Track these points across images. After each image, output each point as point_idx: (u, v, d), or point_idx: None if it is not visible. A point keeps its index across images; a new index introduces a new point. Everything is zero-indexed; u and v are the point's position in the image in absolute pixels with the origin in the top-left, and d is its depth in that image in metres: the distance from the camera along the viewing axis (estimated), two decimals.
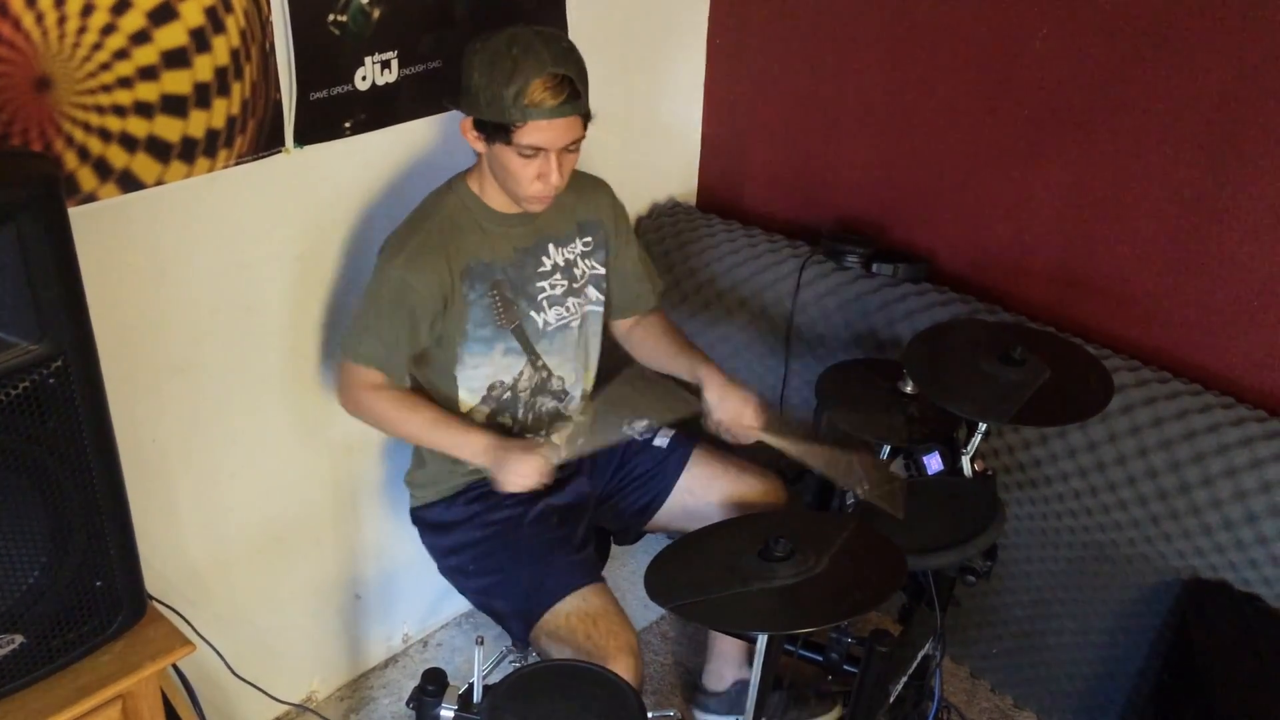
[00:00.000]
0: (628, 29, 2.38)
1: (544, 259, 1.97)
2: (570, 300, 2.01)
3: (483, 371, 1.95)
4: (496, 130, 1.74)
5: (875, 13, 2.34)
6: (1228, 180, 1.98)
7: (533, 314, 1.96)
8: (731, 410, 1.93)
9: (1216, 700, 1.81)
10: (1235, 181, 1.97)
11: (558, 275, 1.99)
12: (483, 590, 1.98)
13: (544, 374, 2.02)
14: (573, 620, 1.82)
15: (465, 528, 1.99)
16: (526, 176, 1.79)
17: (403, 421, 1.92)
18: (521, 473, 1.82)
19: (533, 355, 1.98)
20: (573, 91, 1.73)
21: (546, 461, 1.84)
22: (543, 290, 1.97)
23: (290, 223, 1.96)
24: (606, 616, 1.83)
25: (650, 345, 2.12)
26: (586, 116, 1.79)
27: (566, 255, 2.00)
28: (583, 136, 1.80)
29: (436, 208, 1.89)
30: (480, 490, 1.99)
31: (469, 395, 1.97)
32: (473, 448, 1.89)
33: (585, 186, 2.01)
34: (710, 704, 2.38)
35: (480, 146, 1.81)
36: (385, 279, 1.85)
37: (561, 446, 1.88)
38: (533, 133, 1.73)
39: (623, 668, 1.76)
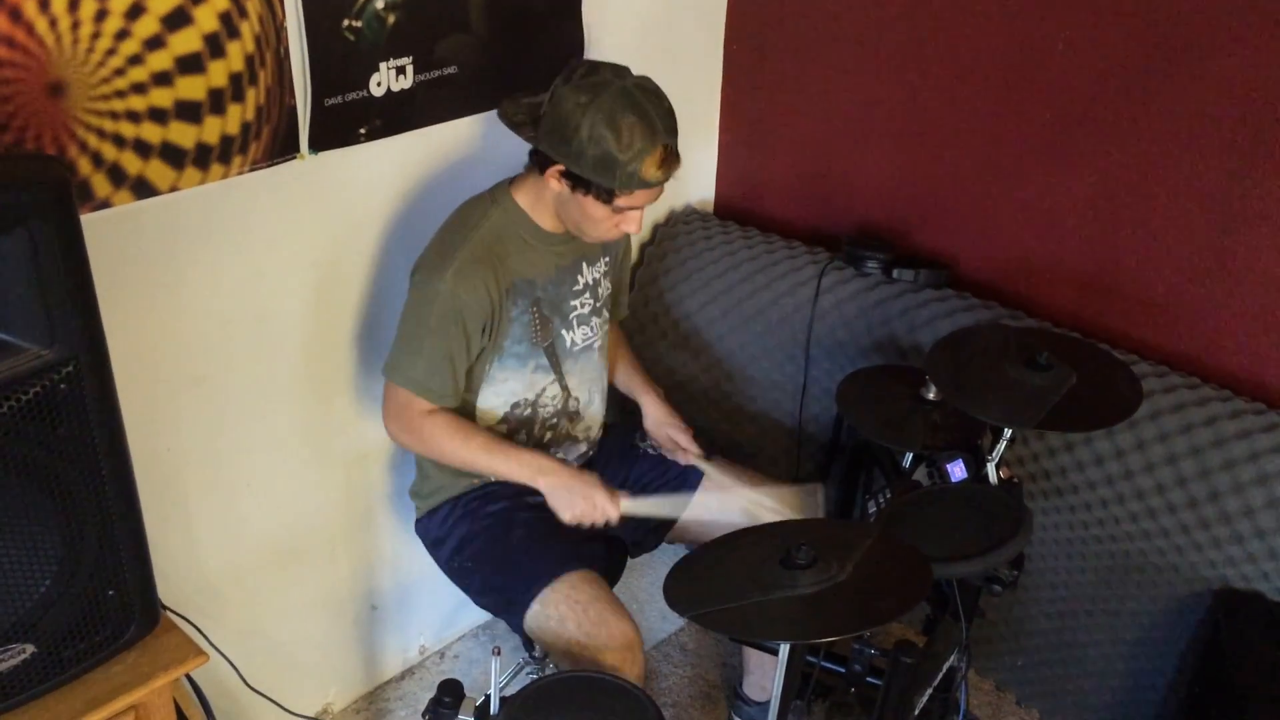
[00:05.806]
0: (644, 37, 2.37)
1: (578, 277, 1.99)
2: (594, 320, 2.03)
3: (509, 387, 1.95)
4: (597, 189, 1.76)
5: (895, 18, 2.32)
6: (1254, 183, 1.95)
7: (564, 332, 1.98)
8: (664, 437, 2.12)
9: (1249, 713, 1.77)
10: (1262, 184, 1.94)
11: (587, 294, 2.00)
12: (483, 587, 1.97)
13: (566, 393, 2.02)
14: (563, 609, 1.81)
15: (462, 525, 1.99)
16: (607, 226, 1.82)
17: (459, 447, 1.89)
18: (587, 505, 1.86)
19: (560, 374, 1.99)
20: (677, 161, 1.78)
21: (616, 505, 1.87)
22: (574, 309, 1.98)
23: (305, 230, 1.95)
24: (597, 604, 1.81)
25: (609, 352, 2.16)
26: None
27: (594, 274, 2.02)
28: None
29: (480, 221, 1.87)
30: (477, 494, 2.00)
31: (490, 410, 1.97)
32: (533, 468, 1.89)
33: None
34: (751, 712, 2.35)
35: (559, 188, 1.81)
36: (433, 294, 1.81)
37: (629, 503, 1.91)
38: (635, 199, 1.78)
39: (617, 660, 1.74)
